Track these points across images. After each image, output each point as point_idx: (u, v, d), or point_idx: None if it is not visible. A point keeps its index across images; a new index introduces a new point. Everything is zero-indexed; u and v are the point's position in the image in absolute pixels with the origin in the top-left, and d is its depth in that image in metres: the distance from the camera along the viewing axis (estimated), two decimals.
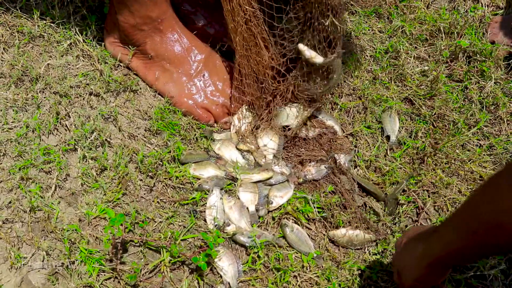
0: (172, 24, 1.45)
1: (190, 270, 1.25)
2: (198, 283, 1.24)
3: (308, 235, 1.35)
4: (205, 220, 1.33)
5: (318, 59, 1.34)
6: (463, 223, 0.92)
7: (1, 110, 1.33)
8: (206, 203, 1.34)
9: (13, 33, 1.46)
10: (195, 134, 1.46)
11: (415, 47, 1.71)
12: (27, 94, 1.37)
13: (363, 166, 1.50)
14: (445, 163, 1.50)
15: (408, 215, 1.43)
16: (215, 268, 1.26)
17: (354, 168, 1.50)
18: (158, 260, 1.24)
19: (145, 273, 1.22)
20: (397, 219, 1.42)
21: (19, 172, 1.25)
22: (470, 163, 1.50)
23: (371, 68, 1.66)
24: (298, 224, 1.36)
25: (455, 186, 1.46)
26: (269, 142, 1.46)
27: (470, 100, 1.61)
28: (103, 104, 1.42)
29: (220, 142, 1.46)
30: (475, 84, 1.64)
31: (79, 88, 1.42)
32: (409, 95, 1.61)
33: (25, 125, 1.32)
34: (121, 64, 1.49)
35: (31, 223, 1.21)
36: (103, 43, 1.51)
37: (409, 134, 1.56)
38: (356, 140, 1.54)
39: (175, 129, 1.44)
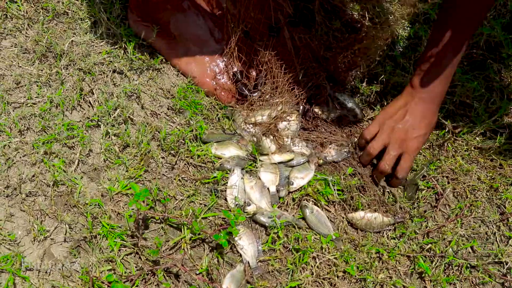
0: (195, 4, 1.45)
1: (210, 248, 1.26)
2: (218, 261, 1.25)
3: (327, 217, 1.35)
4: (225, 199, 1.33)
5: None
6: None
7: (25, 85, 1.34)
8: (227, 183, 1.34)
9: (37, 10, 1.47)
10: (217, 114, 1.46)
11: None
12: (51, 70, 1.37)
13: None
14: (465, 150, 1.50)
15: (427, 201, 1.43)
16: (235, 246, 1.27)
17: None
18: (179, 237, 1.24)
19: (166, 249, 1.23)
20: (416, 204, 1.42)
21: (42, 146, 1.26)
22: (490, 151, 1.49)
23: (392, 54, 1.65)
24: (318, 206, 1.36)
25: (475, 173, 1.46)
26: (288, 123, 1.46)
27: (491, 89, 1.60)
28: (127, 82, 1.43)
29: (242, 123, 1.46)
30: (497, 73, 1.63)
31: (103, 65, 1.42)
32: None
33: (49, 100, 1.33)
34: (144, 43, 1.49)
35: (54, 196, 1.22)
36: (127, 22, 1.51)
37: None
38: None
39: (198, 108, 1.44)
